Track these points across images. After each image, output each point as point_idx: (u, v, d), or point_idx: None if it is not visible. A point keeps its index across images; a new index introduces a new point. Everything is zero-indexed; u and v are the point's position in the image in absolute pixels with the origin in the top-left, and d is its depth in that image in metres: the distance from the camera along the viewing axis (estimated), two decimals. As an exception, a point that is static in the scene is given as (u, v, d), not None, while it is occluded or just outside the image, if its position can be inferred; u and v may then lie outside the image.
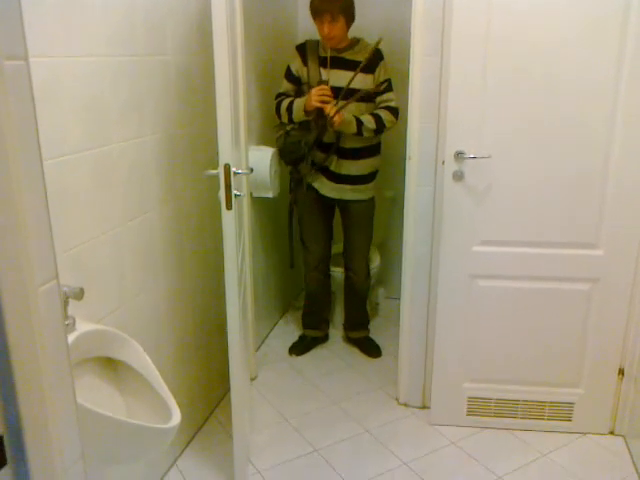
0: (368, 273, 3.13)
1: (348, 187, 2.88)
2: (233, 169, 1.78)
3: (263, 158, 2.82)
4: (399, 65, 2.81)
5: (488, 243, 2.31)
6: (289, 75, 2.84)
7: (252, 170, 2.52)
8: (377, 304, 3.67)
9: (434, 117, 2.33)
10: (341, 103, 2.65)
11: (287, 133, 2.82)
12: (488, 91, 2.15)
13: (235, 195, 1.82)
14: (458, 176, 2.24)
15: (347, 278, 3.15)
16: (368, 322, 3.28)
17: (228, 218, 1.84)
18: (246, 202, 2.56)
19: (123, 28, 1.80)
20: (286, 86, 2.85)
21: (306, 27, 3.45)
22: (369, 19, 3.18)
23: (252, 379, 2.91)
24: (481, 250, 2.32)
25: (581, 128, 2.15)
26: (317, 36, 2.77)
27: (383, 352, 3.17)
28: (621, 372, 2.40)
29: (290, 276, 3.69)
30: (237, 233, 1.99)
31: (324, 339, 3.30)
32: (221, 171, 1.77)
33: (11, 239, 0.59)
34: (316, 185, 2.89)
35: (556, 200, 2.23)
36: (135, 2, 1.85)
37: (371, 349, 3.19)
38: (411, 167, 2.41)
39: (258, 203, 3.00)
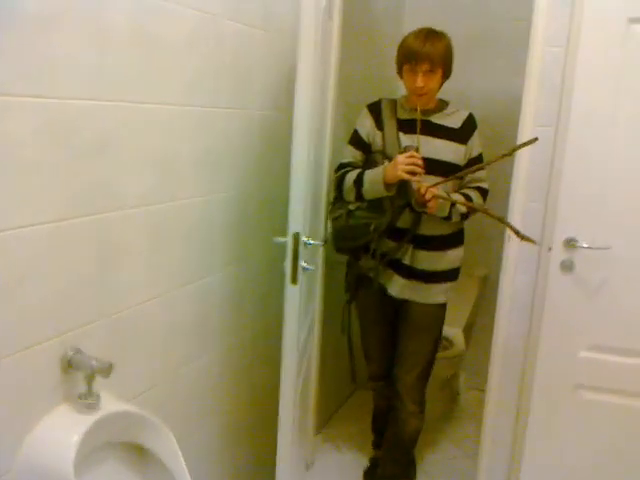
0: (422, 408, 2.28)
1: (423, 286, 2.17)
2: (303, 239, 1.57)
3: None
4: (501, 136, 2.38)
5: (599, 349, 1.95)
6: (357, 140, 2.19)
7: (326, 242, 2.18)
8: (458, 394, 3.29)
9: (542, 196, 2.03)
10: (432, 179, 2.00)
11: (349, 213, 2.14)
12: (611, 172, 1.85)
13: (303, 268, 1.60)
14: (567, 266, 1.92)
15: (390, 408, 2.34)
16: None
17: (292, 293, 1.61)
18: (320, 274, 2.32)
19: (206, 74, 1.66)
20: (352, 154, 2.19)
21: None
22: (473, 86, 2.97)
23: (308, 465, 2.61)
24: (590, 356, 1.96)
25: None
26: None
27: (458, 454, 2.73)
28: None
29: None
30: (303, 309, 1.76)
31: None
32: (289, 240, 1.56)
33: None
34: (383, 283, 2.19)
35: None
36: (223, 45, 1.71)
37: None
38: (510, 250, 2.10)
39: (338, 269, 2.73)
